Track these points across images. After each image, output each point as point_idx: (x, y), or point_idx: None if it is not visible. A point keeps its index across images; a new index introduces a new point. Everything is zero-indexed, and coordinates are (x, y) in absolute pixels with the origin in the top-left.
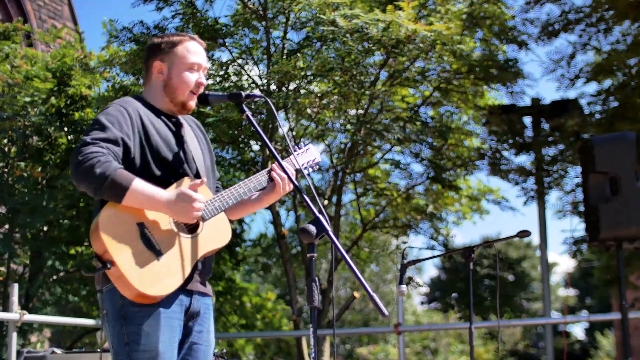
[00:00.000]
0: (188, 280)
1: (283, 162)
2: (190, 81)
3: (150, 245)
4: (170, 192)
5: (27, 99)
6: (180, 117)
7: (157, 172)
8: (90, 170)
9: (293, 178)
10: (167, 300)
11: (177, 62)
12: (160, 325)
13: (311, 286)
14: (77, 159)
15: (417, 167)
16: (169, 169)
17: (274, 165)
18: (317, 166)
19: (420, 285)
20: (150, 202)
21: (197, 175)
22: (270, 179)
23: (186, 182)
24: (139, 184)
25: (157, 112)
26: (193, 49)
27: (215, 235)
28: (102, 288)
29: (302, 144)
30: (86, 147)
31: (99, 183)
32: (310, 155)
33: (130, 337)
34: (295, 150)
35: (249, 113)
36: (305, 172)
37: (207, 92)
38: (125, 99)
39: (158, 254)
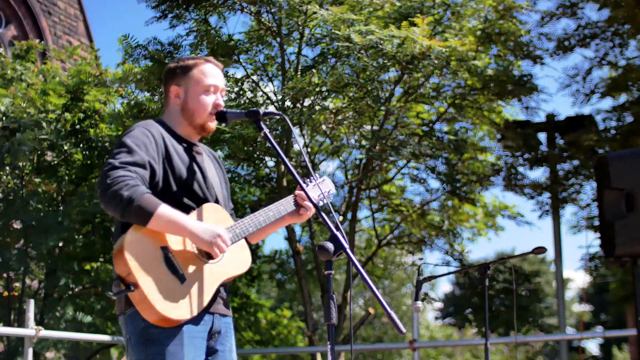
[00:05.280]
0: (211, 302)
1: (306, 189)
2: (207, 104)
3: (174, 269)
4: (197, 222)
5: (42, 115)
6: (199, 146)
7: (179, 196)
8: (117, 194)
9: (316, 202)
10: (191, 320)
11: (193, 85)
12: (184, 344)
13: (329, 303)
14: (105, 183)
15: (433, 183)
16: (190, 194)
17: (298, 192)
18: (331, 197)
19: (436, 301)
20: (175, 228)
21: (217, 202)
22: (297, 204)
23: (207, 207)
24: (164, 210)
25: (178, 138)
26: (208, 71)
27: (236, 261)
28: (124, 313)
29: (317, 175)
30: (114, 170)
31: (124, 207)
32: (325, 186)
33: (155, 358)
34: (311, 181)
35: (266, 131)
36: (321, 203)
37: (224, 109)
38: (149, 122)
39: (181, 278)
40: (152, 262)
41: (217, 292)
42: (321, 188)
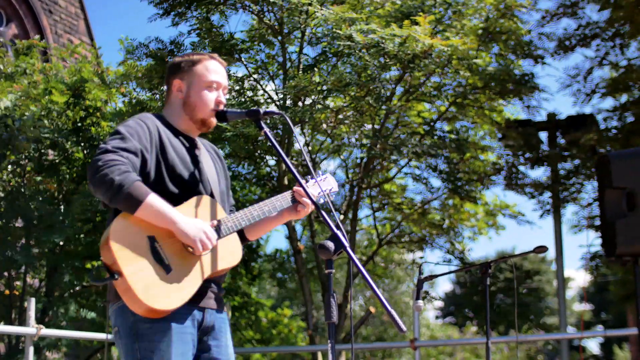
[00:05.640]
0: (200, 297)
1: (305, 186)
2: (209, 99)
3: (160, 259)
4: (185, 216)
5: (43, 113)
6: (198, 140)
7: (171, 188)
8: (108, 177)
9: (315, 200)
10: (179, 316)
11: (196, 80)
12: (172, 340)
13: (329, 302)
14: (97, 165)
15: (435, 182)
16: (183, 186)
17: (296, 188)
18: (333, 196)
19: (436, 300)
20: (162, 219)
21: (211, 196)
22: (294, 200)
23: (197, 199)
24: (153, 199)
25: (176, 132)
26: (212, 68)
27: (225, 255)
28: (114, 304)
29: (320, 172)
30: (106, 154)
31: (115, 192)
32: (327, 184)
33: (143, 353)
34: (314, 178)
35: (267, 130)
36: (322, 200)
37: (224, 108)
38: (145, 114)
39: (167, 268)
40: (138, 252)
41: (207, 286)
42: (323, 185)
